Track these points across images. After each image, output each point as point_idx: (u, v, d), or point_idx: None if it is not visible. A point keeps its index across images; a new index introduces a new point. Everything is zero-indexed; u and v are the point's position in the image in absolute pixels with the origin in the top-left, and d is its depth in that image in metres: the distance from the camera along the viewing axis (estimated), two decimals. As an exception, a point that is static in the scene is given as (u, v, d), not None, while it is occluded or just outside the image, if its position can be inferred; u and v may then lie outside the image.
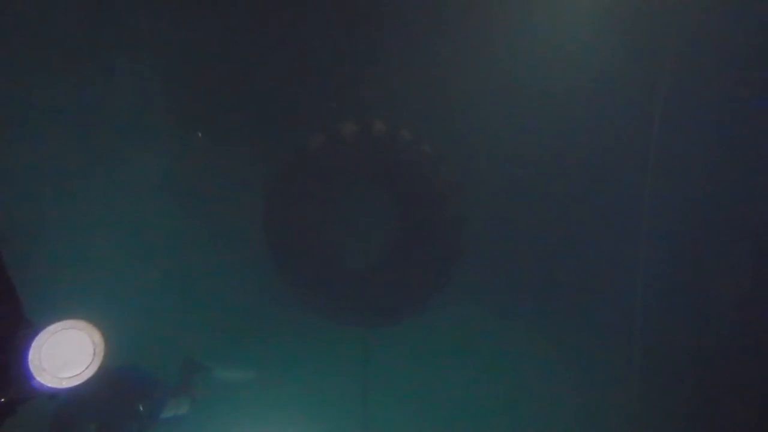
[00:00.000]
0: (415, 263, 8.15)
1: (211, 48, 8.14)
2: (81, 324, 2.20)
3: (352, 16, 8.15)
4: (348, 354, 8.57)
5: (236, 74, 8.21)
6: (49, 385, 2.14)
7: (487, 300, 8.41)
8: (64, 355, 2.17)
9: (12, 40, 7.63)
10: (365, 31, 8.20)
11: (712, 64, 8.20)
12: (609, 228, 8.53)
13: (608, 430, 8.37)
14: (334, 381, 8.57)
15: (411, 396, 8.56)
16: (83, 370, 2.20)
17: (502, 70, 8.07)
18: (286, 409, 8.37)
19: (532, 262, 8.63)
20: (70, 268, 7.97)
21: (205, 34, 8.11)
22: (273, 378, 8.40)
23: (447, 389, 8.60)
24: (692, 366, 8.36)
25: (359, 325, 8.36)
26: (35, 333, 2.14)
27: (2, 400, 2.17)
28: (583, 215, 8.45)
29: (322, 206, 8.07)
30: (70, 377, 2.18)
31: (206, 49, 8.16)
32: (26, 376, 2.12)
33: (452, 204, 8.06)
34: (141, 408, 5.73)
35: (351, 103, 8.25)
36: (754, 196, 8.26)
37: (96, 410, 5.62)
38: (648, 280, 8.40)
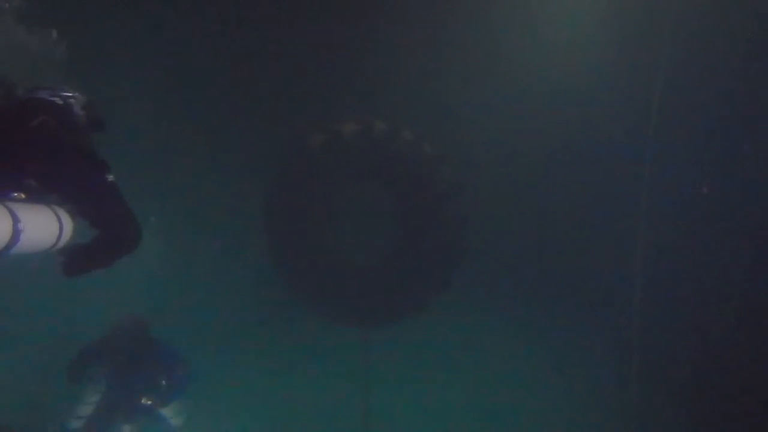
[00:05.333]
0: (415, 264, 8.15)
1: (211, 48, 8.12)
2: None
3: (353, 15, 8.14)
4: (348, 354, 8.57)
5: (236, 74, 8.19)
6: None
7: (488, 301, 8.41)
8: None
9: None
10: (366, 30, 8.19)
11: (711, 64, 8.22)
12: (609, 228, 8.54)
13: (608, 430, 8.39)
14: (335, 381, 8.57)
15: (411, 396, 8.57)
16: None
17: (503, 70, 8.07)
18: (287, 409, 8.37)
19: (533, 262, 8.63)
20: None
21: (205, 33, 8.09)
22: (273, 378, 8.40)
23: (447, 390, 8.61)
24: (692, 368, 8.38)
25: (360, 325, 8.35)
26: None
27: None
28: (584, 215, 8.45)
29: (323, 207, 8.05)
30: None
31: (206, 49, 8.13)
32: None
33: (453, 204, 8.06)
34: (163, 382, 5.80)
35: (351, 103, 8.24)
36: (754, 196, 8.27)
37: (119, 368, 5.73)
38: (648, 281, 8.41)
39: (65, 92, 3.08)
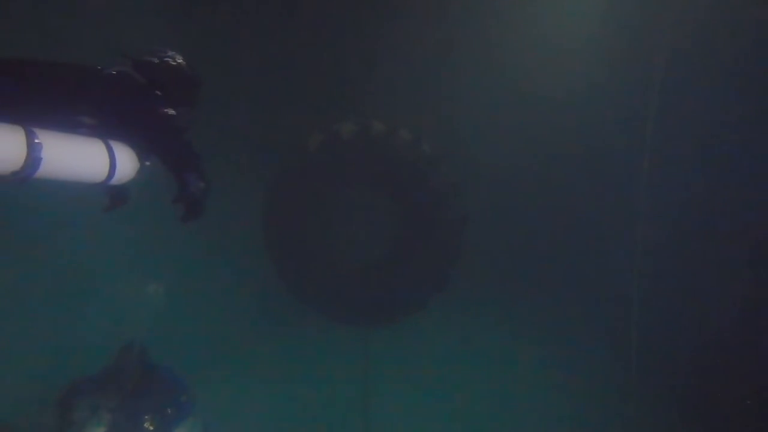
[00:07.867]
0: (414, 263, 8.16)
1: (210, 48, 8.11)
2: None
3: (353, 15, 8.13)
4: (348, 354, 8.58)
5: (236, 74, 8.18)
6: None
7: (487, 300, 8.41)
8: None
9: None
10: (365, 31, 8.18)
11: (711, 64, 8.20)
12: (608, 228, 8.53)
13: (607, 430, 8.39)
14: (335, 381, 8.57)
15: (411, 396, 8.57)
16: None
17: (502, 70, 8.06)
18: (287, 409, 8.38)
19: (532, 262, 8.63)
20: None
21: (205, 33, 8.09)
22: (274, 377, 8.40)
23: (447, 389, 8.61)
24: (691, 368, 8.37)
25: (359, 325, 8.36)
26: None
27: None
28: (583, 215, 8.45)
29: (322, 207, 8.06)
30: None
31: (205, 49, 8.12)
32: None
33: (451, 204, 8.06)
34: (169, 411, 5.73)
35: (351, 103, 8.23)
36: (753, 196, 8.26)
37: (123, 400, 5.66)
38: (647, 281, 8.41)
39: (167, 55, 3.34)
